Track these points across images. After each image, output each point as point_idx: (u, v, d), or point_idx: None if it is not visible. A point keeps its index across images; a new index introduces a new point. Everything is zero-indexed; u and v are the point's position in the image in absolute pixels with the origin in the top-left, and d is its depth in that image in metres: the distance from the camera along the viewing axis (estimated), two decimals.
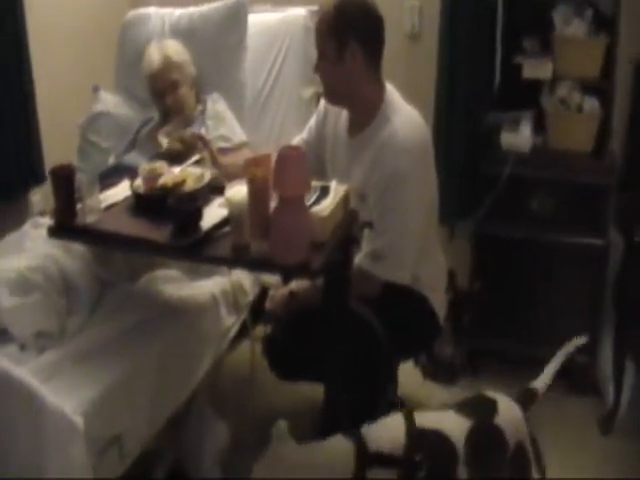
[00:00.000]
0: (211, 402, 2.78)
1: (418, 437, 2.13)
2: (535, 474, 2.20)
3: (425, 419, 2.19)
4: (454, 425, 2.17)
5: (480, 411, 2.23)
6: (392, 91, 2.54)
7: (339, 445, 2.12)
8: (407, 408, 2.26)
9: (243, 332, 2.95)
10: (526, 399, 2.31)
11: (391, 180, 2.38)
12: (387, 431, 2.16)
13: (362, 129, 2.51)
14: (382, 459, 2.09)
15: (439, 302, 2.66)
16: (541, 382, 2.36)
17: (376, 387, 2.56)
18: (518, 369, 3.27)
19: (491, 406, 2.23)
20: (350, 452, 2.08)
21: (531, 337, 3.25)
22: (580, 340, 2.45)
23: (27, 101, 3.46)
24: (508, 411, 2.23)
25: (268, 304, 2.68)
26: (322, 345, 2.40)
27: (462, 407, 2.25)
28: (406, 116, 2.48)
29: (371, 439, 2.11)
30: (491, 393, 2.30)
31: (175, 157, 2.73)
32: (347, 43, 2.40)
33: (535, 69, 3.11)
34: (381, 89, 2.51)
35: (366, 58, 2.44)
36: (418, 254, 2.51)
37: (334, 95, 2.53)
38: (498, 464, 2.18)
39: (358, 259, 2.47)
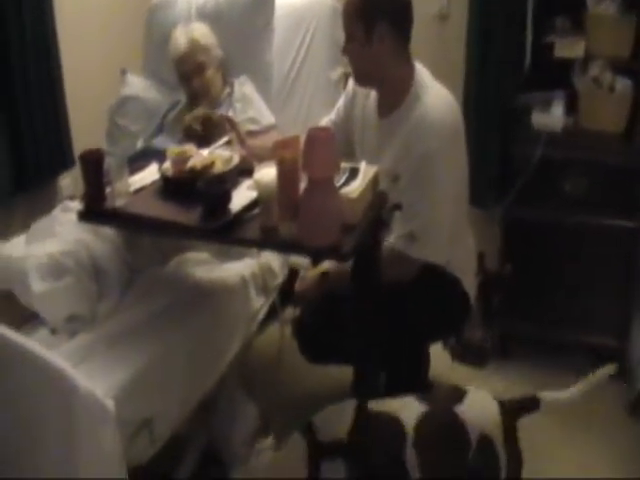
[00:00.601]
0: (241, 384, 2.78)
1: (365, 420, 2.10)
2: (504, 473, 2.11)
3: (380, 404, 2.16)
4: (409, 409, 2.14)
5: (441, 398, 2.19)
6: (422, 70, 2.51)
7: (295, 442, 2.12)
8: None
9: (272, 314, 2.96)
10: (523, 405, 2.21)
11: (423, 162, 2.36)
12: (335, 418, 2.14)
13: (392, 110, 2.49)
14: (331, 447, 2.07)
15: (469, 285, 2.64)
16: (565, 394, 2.24)
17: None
18: (548, 352, 3.26)
19: (457, 396, 2.18)
20: (304, 447, 2.08)
21: (561, 320, 3.22)
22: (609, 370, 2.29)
23: (55, 86, 3.48)
24: (477, 403, 2.16)
25: (298, 286, 2.68)
26: (351, 327, 2.39)
27: (427, 394, 2.21)
28: (437, 96, 2.46)
29: (320, 428, 2.10)
30: (471, 388, 2.23)
31: (195, 138, 2.73)
32: (375, 25, 2.38)
33: (567, 48, 3.07)
34: (411, 69, 2.49)
35: (394, 39, 2.42)
36: (450, 235, 2.49)
37: (363, 77, 2.52)
38: (456, 453, 2.11)
39: (391, 240, 2.46)
